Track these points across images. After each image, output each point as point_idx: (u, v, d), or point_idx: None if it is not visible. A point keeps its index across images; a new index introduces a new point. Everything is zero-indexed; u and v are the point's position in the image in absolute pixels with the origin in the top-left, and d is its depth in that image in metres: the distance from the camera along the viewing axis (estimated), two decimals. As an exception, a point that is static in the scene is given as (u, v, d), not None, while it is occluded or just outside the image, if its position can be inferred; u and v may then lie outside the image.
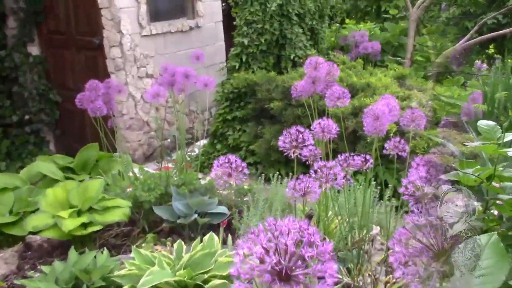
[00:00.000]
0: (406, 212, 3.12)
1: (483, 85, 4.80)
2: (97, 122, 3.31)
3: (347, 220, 2.85)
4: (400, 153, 1.87)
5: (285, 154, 1.38)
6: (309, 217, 2.06)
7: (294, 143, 1.32)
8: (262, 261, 0.63)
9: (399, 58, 5.45)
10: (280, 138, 1.36)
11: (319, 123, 1.84)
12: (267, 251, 0.64)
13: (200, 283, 2.04)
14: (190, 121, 5.85)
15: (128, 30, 5.02)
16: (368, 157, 1.78)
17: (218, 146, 4.69)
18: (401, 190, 1.08)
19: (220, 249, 2.26)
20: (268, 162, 4.19)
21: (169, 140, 5.63)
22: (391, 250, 2.49)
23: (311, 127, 1.88)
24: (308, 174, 3.25)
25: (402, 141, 1.88)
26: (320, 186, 1.39)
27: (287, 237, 0.64)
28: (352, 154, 1.77)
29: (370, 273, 2.28)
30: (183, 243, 2.34)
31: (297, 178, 1.42)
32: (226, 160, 1.29)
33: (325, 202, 2.88)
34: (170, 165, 3.77)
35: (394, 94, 3.83)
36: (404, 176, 3.11)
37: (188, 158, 4.15)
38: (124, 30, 4.98)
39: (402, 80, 4.17)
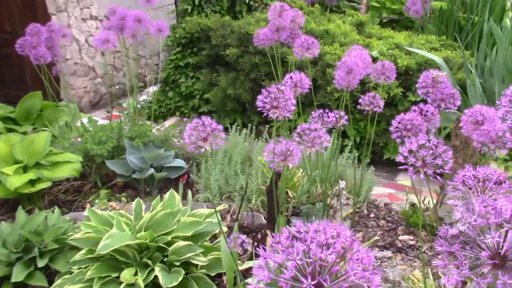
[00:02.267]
0: (369, 164, 3.10)
1: None
2: (40, 68, 3.04)
3: (309, 173, 2.80)
4: (375, 109, 1.78)
5: (254, 107, 1.26)
6: (278, 174, 1.97)
7: (275, 103, 1.20)
8: (297, 280, 0.52)
9: (355, 4, 5.33)
10: (259, 97, 1.23)
11: (291, 77, 1.72)
12: (301, 269, 0.53)
13: (163, 245, 1.94)
14: (139, 67, 5.57)
15: (69, -33, 4.62)
16: (342, 113, 1.68)
17: (170, 94, 4.49)
18: (399, 159, 0.99)
19: (182, 207, 2.15)
20: (223, 111, 4.05)
21: (117, 87, 5.35)
22: (358, 206, 2.44)
23: (283, 80, 1.76)
24: (268, 126, 3.12)
25: (377, 96, 1.79)
26: (305, 151, 1.29)
27: (326, 251, 0.53)
28: (326, 111, 1.67)
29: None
30: (141, 201, 2.21)
31: (275, 138, 1.31)
32: (201, 123, 1.16)
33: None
34: (119, 113, 3.57)
35: (354, 42, 3.73)
36: (363, 129, 3.04)
37: (139, 106, 3.95)
38: (64, -33, 4.58)
39: (360, 27, 4.07)
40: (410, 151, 0.98)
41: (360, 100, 1.82)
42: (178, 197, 2.21)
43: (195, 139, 1.15)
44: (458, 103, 1.66)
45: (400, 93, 3.25)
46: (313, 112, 1.66)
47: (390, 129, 1.54)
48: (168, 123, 4.25)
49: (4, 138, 2.89)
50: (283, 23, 2.45)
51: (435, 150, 0.95)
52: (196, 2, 4.33)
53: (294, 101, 1.25)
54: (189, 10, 4.38)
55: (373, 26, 4.37)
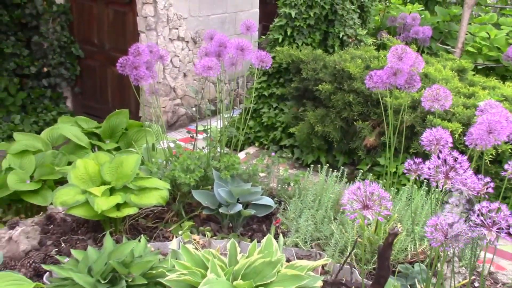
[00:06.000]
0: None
1: None
2: (137, 88, 2.94)
3: (410, 228, 2.58)
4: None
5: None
6: (395, 235, 1.78)
7: (452, 174, 1.03)
8: None
9: (449, 47, 5.10)
10: (428, 165, 1.07)
11: (432, 133, 1.55)
12: None
13: (263, 298, 1.77)
14: (216, 91, 5.52)
15: (164, -13, 4.65)
16: (488, 179, 1.47)
17: (251, 123, 4.38)
18: None
19: (280, 255, 1.99)
20: (308, 147, 3.89)
21: (194, 109, 5.30)
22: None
23: (422, 136, 1.58)
24: (360, 170, 2.90)
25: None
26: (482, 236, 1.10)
27: None
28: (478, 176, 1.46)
29: (445, 299, 2.01)
30: (236, 243, 2.06)
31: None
32: (363, 189, 0.99)
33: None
34: (200, 137, 3.46)
35: (456, 89, 3.51)
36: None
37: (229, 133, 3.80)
38: (159, -13, 4.61)
39: (462, 73, 3.84)
40: None
41: (506, 166, 1.63)
42: (275, 244, 2.05)
43: (360, 207, 0.98)
44: None
45: (509, 150, 3.00)
46: (457, 177, 1.46)
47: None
48: (249, 152, 4.13)
49: (93, 156, 2.84)
50: (402, 67, 2.27)
51: None
52: (288, 33, 4.23)
53: (471, 172, 1.07)
54: (280, 40, 4.28)
55: (473, 73, 4.13)
